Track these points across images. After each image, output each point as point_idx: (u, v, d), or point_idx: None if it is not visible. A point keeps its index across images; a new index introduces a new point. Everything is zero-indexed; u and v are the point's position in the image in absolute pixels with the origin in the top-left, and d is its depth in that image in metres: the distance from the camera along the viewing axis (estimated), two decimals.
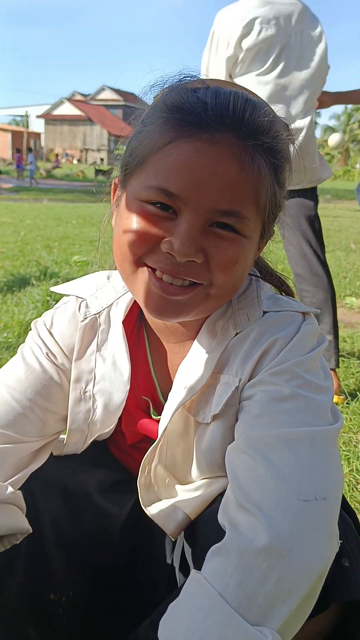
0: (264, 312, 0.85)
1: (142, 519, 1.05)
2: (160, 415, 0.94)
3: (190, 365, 0.86)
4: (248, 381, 0.82)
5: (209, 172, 0.69)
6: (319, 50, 2.45)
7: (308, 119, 2.39)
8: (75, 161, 56.66)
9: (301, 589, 0.63)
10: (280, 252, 0.91)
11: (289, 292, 0.99)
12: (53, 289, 1.02)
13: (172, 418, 0.86)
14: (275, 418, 0.75)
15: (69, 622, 0.99)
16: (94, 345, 0.93)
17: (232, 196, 0.70)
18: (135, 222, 0.74)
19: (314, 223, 2.52)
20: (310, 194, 2.50)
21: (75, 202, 13.60)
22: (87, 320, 0.94)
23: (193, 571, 0.69)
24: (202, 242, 0.72)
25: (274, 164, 0.74)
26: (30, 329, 0.99)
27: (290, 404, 0.75)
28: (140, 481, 0.93)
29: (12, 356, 2.72)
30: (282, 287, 1.00)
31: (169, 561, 1.02)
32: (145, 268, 0.76)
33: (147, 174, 0.73)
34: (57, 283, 4.07)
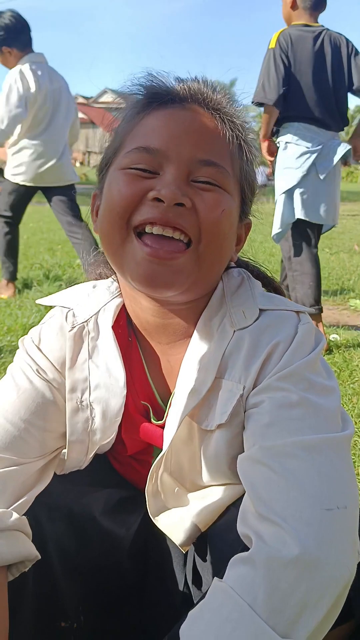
0: (260, 310, 0.85)
1: (150, 537, 1.03)
2: (159, 420, 0.93)
3: (192, 369, 0.84)
4: (252, 388, 0.80)
5: (185, 127, 0.77)
6: (74, 115, 4.24)
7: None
8: (77, 164, 56.76)
9: (328, 600, 0.62)
10: (273, 247, 0.92)
11: (280, 292, 0.99)
12: (39, 301, 1.01)
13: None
14: (287, 426, 0.74)
15: None
16: (85, 353, 0.91)
17: (209, 147, 0.77)
18: (119, 186, 0.77)
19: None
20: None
21: (78, 205, 13.53)
22: (75, 329, 0.91)
23: (216, 579, 0.68)
24: (187, 191, 0.75)
25: (240, 138, 0.81)
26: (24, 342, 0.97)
27: (299, 411, 0.74)
28: (147, 489, 0.91)
29: None
30: (272, 285, 1.00)
31: (180, 578, 1.00)
32: (133, 238, 0.77)
33: (126, 147, 0.79)
34: (60, 286, 4.06)
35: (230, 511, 0.87)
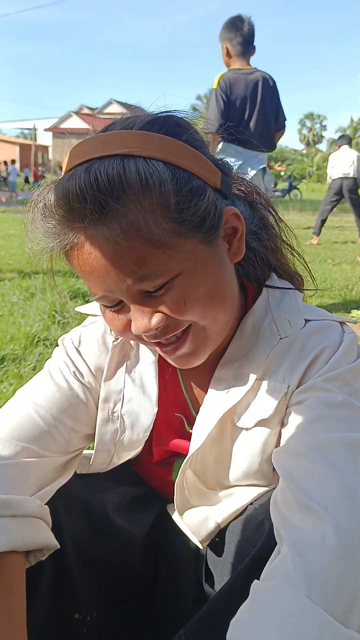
0: (305, 320, 0.87)
1: (163, 536, 1.04)
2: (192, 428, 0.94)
3: (231, 369, 0.87)
4: (297, 387, 0.83)
5: (99, 269, 0.72)
6: None
7: None
8: None
9: None
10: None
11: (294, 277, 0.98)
12: (78, 309, 1.03)
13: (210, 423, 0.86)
14: (331, 423, 0.76)
15: None
16: (123, 366, 0.94)
17: (127, 273, 0.71)
18: (107, 319, 0.81)
19: None
20: None
21: None
22: (119, 340, 0.94)
23: (256, 582, 0.68)
24: (152, 308, 0.75)
25: (138, 202, 0.69)
26: (57, 345, 0.99)
27: (343, 412, 0.77)
28: (176, 483, 0.93)
29: (18, 368, 2.74)
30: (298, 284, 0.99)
31: (192, 575, 1.01)
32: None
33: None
34: (63, 296, 4.08)
35: (247, 509, 0.89)
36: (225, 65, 4.07)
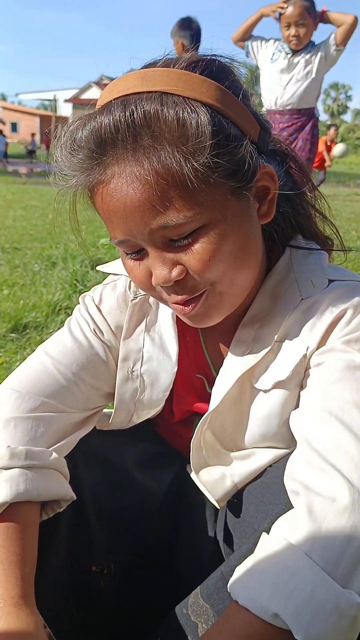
0: (329, 280, 0.85)
1: (182, 494, 1.05)
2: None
3: (251, 330, 0.86)
4: (316, 349, 0.82)
5: (124, 208, 0.70)
6: None
7: None
8: None
9: None
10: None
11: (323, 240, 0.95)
12: (100, 268, 1.02)
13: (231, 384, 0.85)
14: (349, 385, 0.75)
15: (110, 595, 1.00)
16: (142, 325, 0.94)
17: (152, 214, 0.69)
18: (128, 269, 0.80)
19: None
20: None
21: None
22: (137, 299, 0.94)
23: (264, 534, 0.69)
24: (174, 258, 0.73)
25: (173, 141, 0.67)
26: (78, 303, 0.99)
27: None
28: (192, 443, 0.92)
29: (40, 335, 2.79)
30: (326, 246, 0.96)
31: (211, 534, 1.02)
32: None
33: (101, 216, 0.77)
34: (84, 265, 4.11)
35: (267, 471, 0.88)
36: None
